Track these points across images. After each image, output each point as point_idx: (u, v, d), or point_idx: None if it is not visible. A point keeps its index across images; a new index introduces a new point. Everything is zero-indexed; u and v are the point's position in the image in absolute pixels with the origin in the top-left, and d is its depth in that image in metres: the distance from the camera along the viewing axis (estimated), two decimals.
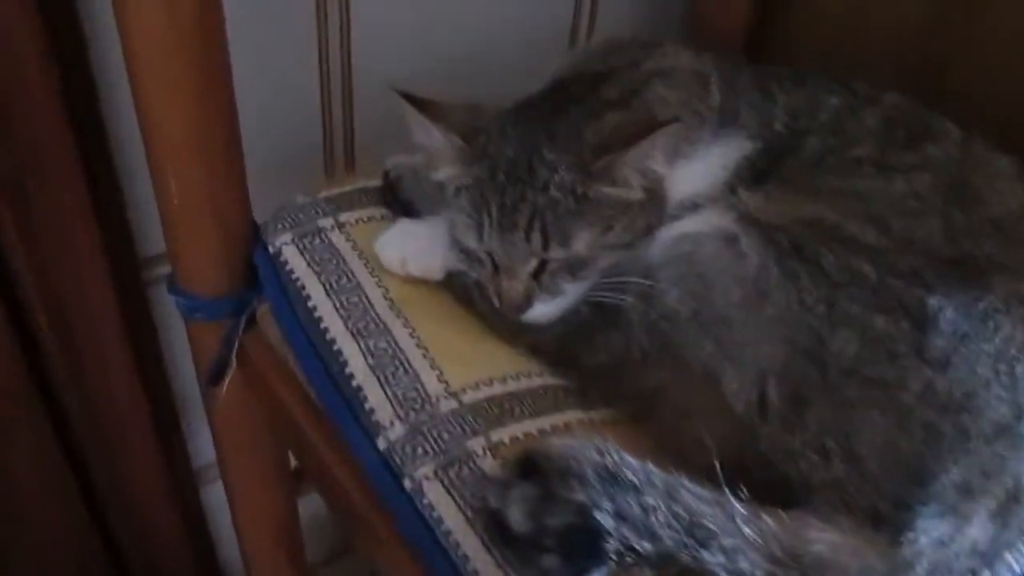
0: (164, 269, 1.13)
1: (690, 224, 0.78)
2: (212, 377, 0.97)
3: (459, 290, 0.89)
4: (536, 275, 0.82)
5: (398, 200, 0.95)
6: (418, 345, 0.82)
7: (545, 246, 0.80)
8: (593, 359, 0.79)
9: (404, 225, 0.90)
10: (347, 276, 0.88)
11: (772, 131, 0.89)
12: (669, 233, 0.77)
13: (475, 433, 0.75)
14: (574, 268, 0.81)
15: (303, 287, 0.87)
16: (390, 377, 0.80)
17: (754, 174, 0.87)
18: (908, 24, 1.12)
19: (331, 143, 1.14)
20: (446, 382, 0.79)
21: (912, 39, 1.11)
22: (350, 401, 0.80)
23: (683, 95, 0.88)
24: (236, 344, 0.95)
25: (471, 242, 0.83)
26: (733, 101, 0.91)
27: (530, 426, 0.77)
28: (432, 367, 0.80)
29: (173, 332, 1.19)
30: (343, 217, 0.94)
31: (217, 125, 0.82)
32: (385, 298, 0.87)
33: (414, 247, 0.88)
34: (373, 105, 1.13)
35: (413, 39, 1.12)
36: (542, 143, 0.80)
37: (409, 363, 0.81)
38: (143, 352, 1.19)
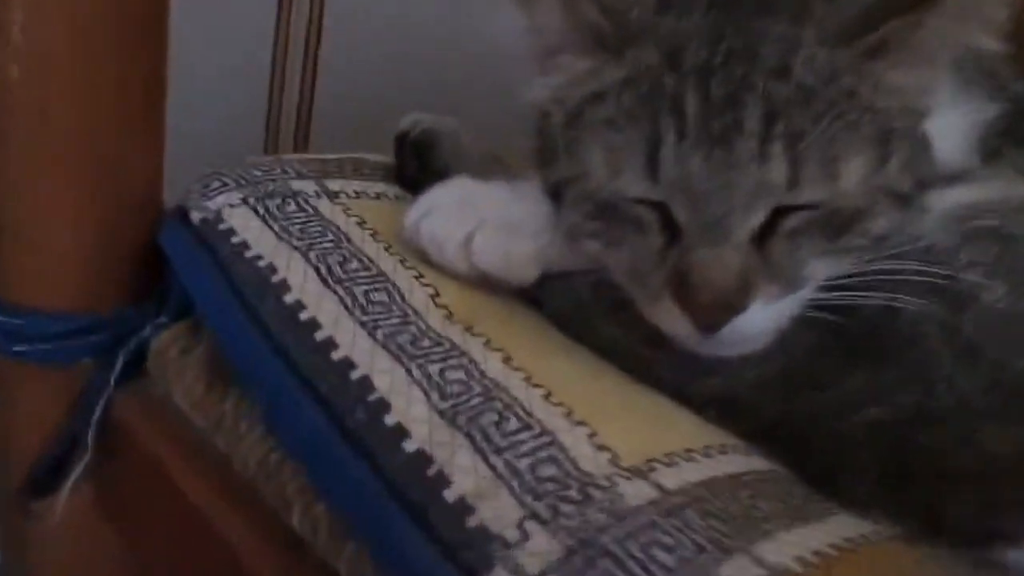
0: None
1: (970, 193, 0.50)
2: (39, 482, 0.48)
3: (566, 303, 0.48)
4: (759, 242, 0.43)
5: (428, 170, 0.55)
6: (529, 382, 0.39)
7: (794, 176, 0.41)
8: (853, 418, 0.43)
9: (460, 184, 0.49)
10: (359, 260, 0.45)
11: (1008, 92, 0.59)
12: (943, 202, 0.48)
13: (726, 551, 0.32)
14: (832, 229, 0.43)
15: (273, 271, 0.43)
16: (492, 434, 0.36)
17: (989, 147, 0.56)
18: None
19: (279, 111, 0.73)
20: (611, 451, 0.36)
21: None
22: (404, 489, 0.34)
23: None
24: (99, 411, 0.47)
25: (630, 181, 0.44)
26: None
27: (812, 540, 0.35)
28: (571, 421, 0.37)
29: None
30: (333, 184, 0.52)
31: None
32: (436, 305, 0.44)
33: (485, 220, 0.47)
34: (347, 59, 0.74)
35: None
36: (754, 9, 0.44)
37: (526, 410, 0.37)
38: None
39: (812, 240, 0.43)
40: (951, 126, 0.53)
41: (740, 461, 0.41)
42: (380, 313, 0.42)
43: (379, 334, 0.40)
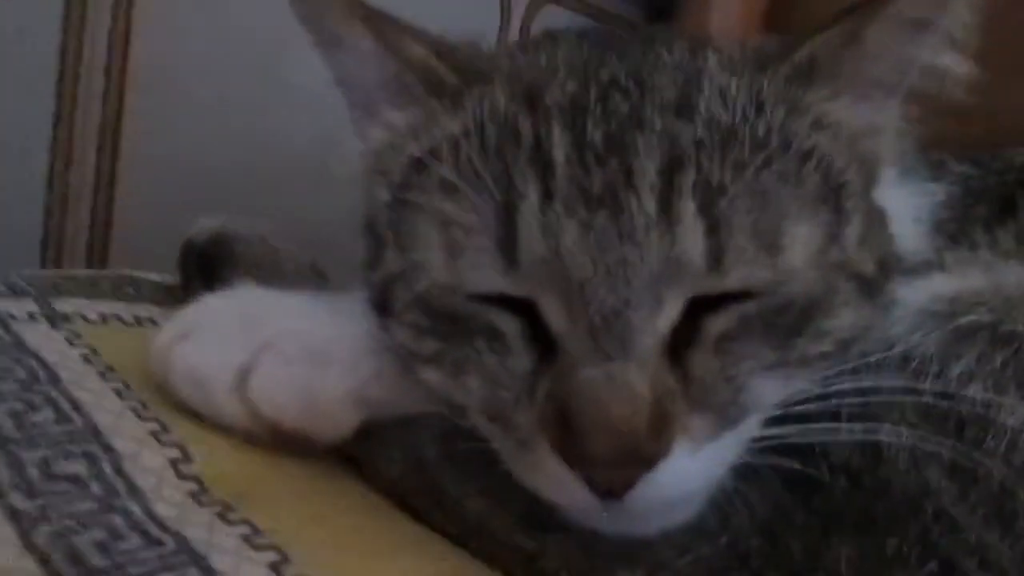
0: None
1: (947, 283, 0.38)
2: None
3: (404, 466, 0.32)
4: (676, 355, 0.28)
5: (219, 286, 0.39)
6: None
7: (717, 249, 0.28)
8: None
9: (241, 295, 0.34)
10: (56, 410, 0.28)
11: (952, 174, 0.49)
12: (915, 295, 0.36)
13: None
14: (780, 330, 0.29)
15: None
16: None
17: (947, 232, 0.46)
18: None
19: (60, 225, 0.57)
20: None
21: None
22: None
23: None
24: None
25: (477, 268, 0.30)
26: None
27: None
28: None
29: None
30: (66, 305, 0.36)
31: None
32: (180, 475, 0.27)
33: (273, 344, 0.32)
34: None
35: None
36: (639, 41, 0.33)
37: None
38: None
39: (753, 347, 0.29)
40: (899, 204, 0.42)
41: None
42: (61, 494, 0.24)
43: (42, 533, 0.23)
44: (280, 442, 0.31)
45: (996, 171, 0.51)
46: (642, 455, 0.27)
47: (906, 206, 0.45)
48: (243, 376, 0.31)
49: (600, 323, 0.27)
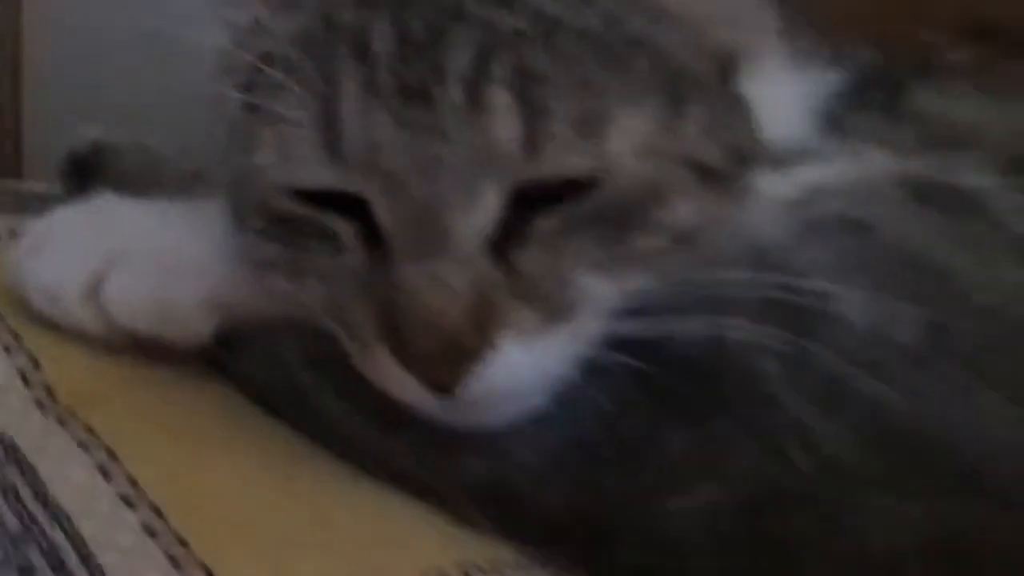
0: None
1: (813, 174, 0.37)
2: None
3: (270, 369, 0.33)
4: (501, 250, 0.28)
5: (102, 186, 0.39)
6: (129, 499, 0.24)
7: (532, 134, 0.28)
8: (676, 504, 0.31)
9: (95, 205, 0.35)
10: None
11: (853, 61, 0.48)
12: (779, 188, 0.35)
13: None
14: (611, 223, 0.30)
15: None
16: None
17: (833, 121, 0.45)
18: None
19: None
20: None
21: None
22: None
23: None
24: None
25: (305, 164, 0.30)
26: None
27: None
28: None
29: None
30: None
31: None
32: (27, 381, 0.28)
33: (124, 253, 0.32)
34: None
35: None
36: None
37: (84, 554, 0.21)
38: None
39: (580, 243, 0.30)
40: (782, 93, 0.41)
41: None
42: None
43: None
44: (140, 349, 0.32)
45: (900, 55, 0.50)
46: (465, 350, 0.28)
47: (791, 94, 0.44)
48: (95, 287, 0.32)
49: (417, 219, 0.28)
